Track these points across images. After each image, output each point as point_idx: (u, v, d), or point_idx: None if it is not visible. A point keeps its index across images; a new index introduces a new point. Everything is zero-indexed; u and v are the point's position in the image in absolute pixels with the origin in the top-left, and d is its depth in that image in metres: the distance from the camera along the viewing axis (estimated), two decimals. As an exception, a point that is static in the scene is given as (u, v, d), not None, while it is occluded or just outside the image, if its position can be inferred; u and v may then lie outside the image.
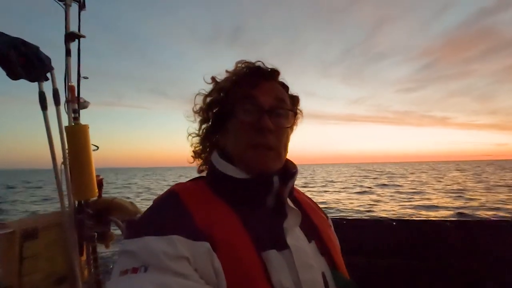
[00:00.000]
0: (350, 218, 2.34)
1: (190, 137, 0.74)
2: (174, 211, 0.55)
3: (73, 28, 2.11)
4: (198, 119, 0.73)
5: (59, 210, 2.00)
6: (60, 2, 2.07)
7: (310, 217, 0.71)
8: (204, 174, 0.73)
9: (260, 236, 0.56)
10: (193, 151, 0.74)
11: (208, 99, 0.70)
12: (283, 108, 0.67)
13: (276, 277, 0.54)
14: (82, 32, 2.14)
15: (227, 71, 0.71)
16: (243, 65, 0.69)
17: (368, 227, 2.26)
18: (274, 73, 0.69)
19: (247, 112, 0.64)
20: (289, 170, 0.67)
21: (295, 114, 0.71)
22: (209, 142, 0.72)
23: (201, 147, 0.73)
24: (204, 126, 0.72)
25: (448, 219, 2.08)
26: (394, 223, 2.30)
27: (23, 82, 1.86)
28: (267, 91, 0.66)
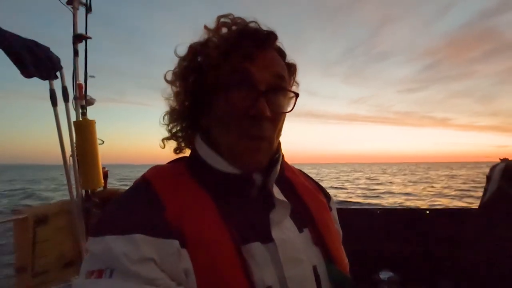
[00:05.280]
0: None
1: (165, 117, 0.61)
2: (142, 204, 0.49)
3: (80, 30, 2.27)
4: (175, 90, 0.59)
5: (68, 198, 2.16)
6: (68, 6, 2.22)
7: (305, 201, 0.63)
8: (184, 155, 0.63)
9: (241, 228, 0.50)
10: (168, 130, 0.61)
11: (185, 63, 0.58)
12: (283, 88, 0.56)
13: (258, 273, 0.48)
14: (88, 32, 2.30)
15: (206, 28, 0.57)
16: (232, 27, 0.56)
17: (352, 215, 2.43)
18: (272, 38, 0.56)
19: (240, 93, 0.52)
20: (273, 158, 0.58)
21: (297, 96, 0.58)
22: (189, 121, 0.60)
23: (178, 126, 0.61)
24: (180, 98, 0.59)
25: (426, 208, 2.28)
26: (378, 212, 2.49)
27: (35, 80, 2.01)
28: (265, 65, 0.54)
